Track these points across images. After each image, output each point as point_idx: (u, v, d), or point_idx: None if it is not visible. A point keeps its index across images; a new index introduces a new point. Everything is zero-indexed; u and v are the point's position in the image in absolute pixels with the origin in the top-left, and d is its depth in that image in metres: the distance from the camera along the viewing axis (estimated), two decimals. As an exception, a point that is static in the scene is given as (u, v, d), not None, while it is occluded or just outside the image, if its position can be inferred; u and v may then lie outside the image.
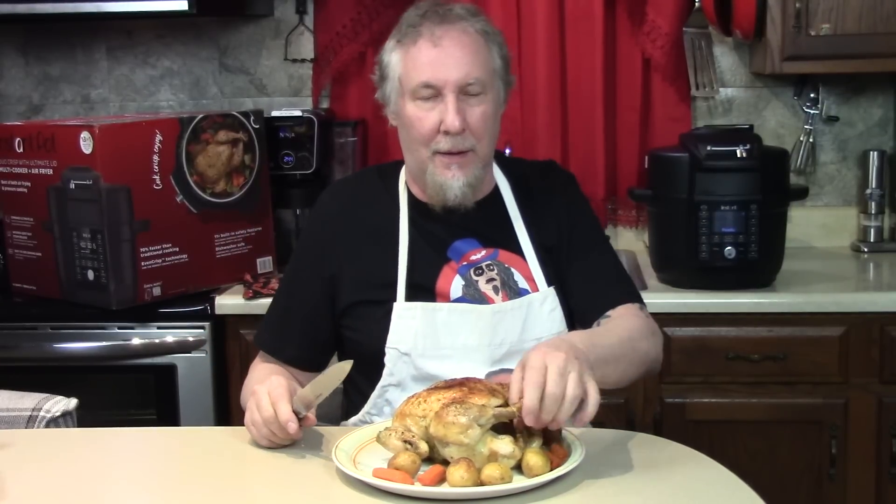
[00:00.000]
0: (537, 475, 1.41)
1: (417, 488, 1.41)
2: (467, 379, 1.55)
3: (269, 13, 3.16)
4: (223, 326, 2.63)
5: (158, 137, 2.51)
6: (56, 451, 1.66)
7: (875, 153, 2.99)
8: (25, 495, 1.49)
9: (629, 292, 1.87)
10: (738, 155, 2.51)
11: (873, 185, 2.99)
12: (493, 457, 1.43)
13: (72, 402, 1.80)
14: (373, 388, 1.82)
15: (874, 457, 2.52)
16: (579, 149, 3.05)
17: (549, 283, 1.85)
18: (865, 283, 2.84)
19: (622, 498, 1.42)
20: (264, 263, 2.77)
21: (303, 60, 3.18)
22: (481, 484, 1.40)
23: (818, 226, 3.08)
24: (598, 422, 1.97)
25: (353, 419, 1.85)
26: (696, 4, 2.92)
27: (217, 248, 2.66)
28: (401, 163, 1.93)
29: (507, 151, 2.90)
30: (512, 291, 1.83)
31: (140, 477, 1.60)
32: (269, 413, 1.57)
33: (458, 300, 1.82)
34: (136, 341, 2.58)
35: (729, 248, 2.51)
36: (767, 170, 2.54)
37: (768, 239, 2.54)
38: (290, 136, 2.86)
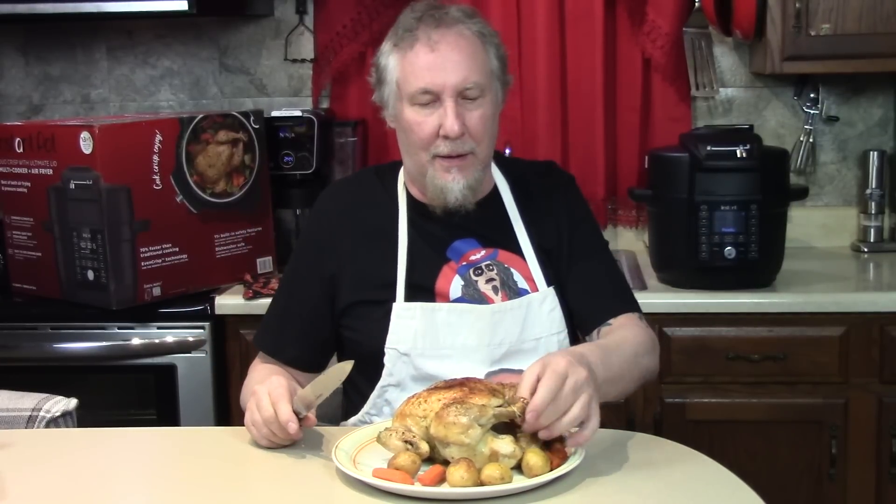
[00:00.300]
0: (537, 475, 1.41)
1: (417, 488, 1.41)
2: (467, 379, 1.55)
3: (269, 13, 3.16)
4: (223, 326, 2.63)
5: (158, 137, 2.51)
6: (56, 451, 1.66)
7: (875, 153, 2.99)
8: (25, 495, 1.49)
9: (628, 301, 1.88)
10: (738, 155, 2.51)
11: (873, 185, 2.99)
12: (493, 457, 1.43)
13: (72, 402, 1.80)
14: (372, 389, 1.82)
15: (874, 457, 2.52)
16: (579, 149, 3.05)
17: (549, 284, 1.85)
18: (865, 283, 2.84)
19: (622, 498, 1.42)
20: (264, 263, 2.77)
21: (303, 60, 3.18)
22: (481, 484, 1.40)
23: (818, 226, 3.08)
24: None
25: (353, 419, 1.85)
26: (696, 4, 2.92)
27: (217, 248, 2.66)
28: (399, 163, 1.93)
29: (507, 151, 2.90)
30: (511, 291, 1.83)
31: (140, 477, 1.60)
32: (269, 413, 1.57)
33: (457, 300, 1.82)
34: (136, 341, 2.58)
35: (729, 248, 2.51)
36: (767, 170, 2.54)
37: (768, 239, 2.54)
38: (290, 136, 2.86)
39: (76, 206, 2.49)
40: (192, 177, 2.58)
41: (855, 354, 2.50)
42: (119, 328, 2.59)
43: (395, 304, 1.81)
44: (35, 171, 2.56)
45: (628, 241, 3.12)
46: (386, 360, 1.80)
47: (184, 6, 2.71)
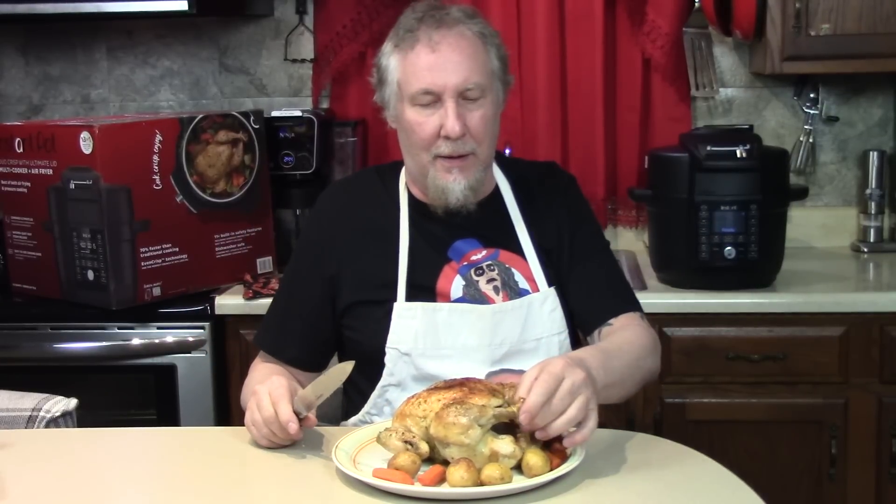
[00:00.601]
0: (537, 475, 1.41)
1: (417, 488, 1.41)
2: (467, 379, 1.55)
3: (269, 13, 3.16)
4: (223, 326, 2.63)
5: (158, 137, 2.51)
6: (56, 451, 1.66)
7: (875, 153, 2.99)
8: (25, 495, 1.49)
9: (630, 301, 1.88)
10: (738, 155, 2.51)
11: (873, 186, 2.99)
12: (493, 457, 1.43)
13: (72, 402, 1.80)
14: (373, 388, 1.82)
15: (874, 457, 2.52)
16: (579, 149, 3.05)
17: (550, 284, 1.85)
18: (865, 283, 2.84)
19: (622, 498, 1.42)
20: (264, 263, 2.77)
21: (303, 60, 3.18)
22: (481, 484, 1.40)
23: (818, 226, 3.08)
24: (598, 422, 1.98)
25: (353, 419, 1.86)
26: (696, 4, 2.92)
27: (217, 248, 2.66)
28: (400, 163, 1.93)
29: (507, 151, 2.90)
30: (512, 291, 1.83)
31: (140, 477, 1.60)
32: (269, 413, 1.57)
33: (458, 300, 1.82)
34: (136, 341, 2.58)
35: (729, 248, 2.51)
36: (767, 170, 2.54)
37: (768, 239, 2.54)
38: (290, 136, 2.86)
39: (76, 206, 2.49)
40: (192, 177, 2.58)
41: (855, 354, 2.50)
42: (119, 328, 2.59)
43: (395, 304, 1.81)
44: (35, 171, 2.56)
45: (628, 241, 3.12)
46: (386, 359, 1.80)
47: (184, 6, 2.71)
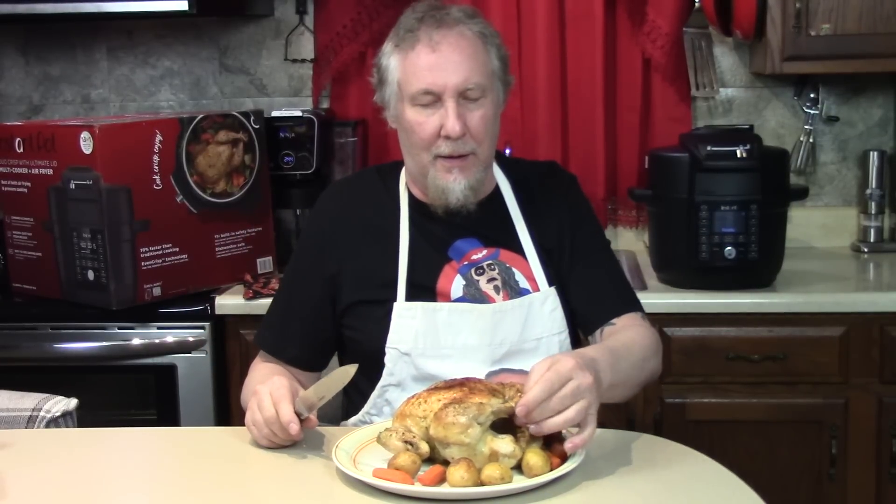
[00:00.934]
0: (537, 475, 1.41)
1: (417, 488, 1.41)
2: (467, 379, 1.55)
3: (269, 13, 3.16)
4: (223, 326, 2.63)
5: (158, 137, 2.51)
6: (56, 451, 1.66)
7: (875, 153, 2.99)
8: (25, 495, 1.49)
9: (631, 301, 1.89)
10: (738, 155, 2.51)
11: (873, 186, 2.99)
12: (493, 456, 1.43)
13: (72, 402, 1.80)
14: (373, 388, 1.82)
15: (874, 457, 2.52)
16: (579, 149, 3.05)
17: (550, 284, 1.85)
18: (865, 283, 2.84)
19: (622, 498, 1.42)
20: (264, 263, 2.77)
21: (303, 60, 3.18)
22: (481, 484, 1.40)
23: (818, 226, 3.08)
24: (598, 422, 1.97)
25: (353, 419, 1.86)
26: (696, 4, 2.92)
27: (217, 248, 2.66)
28: (400, 163, 1.93)
29: (508, 151, 2.90)
30: (513, 291, 1.83)
31: (140, 477, 1.60)
32: (270, 413, 1.57)
33: (458, 300, 1.82)
34: (136, 341, 2.58)
35: (729, 248, 2.51)
36: (767, 170, 2.54)
37: (768, 239, 2.54)
38: (290, 136, 2.86)
39: (76, 206, 2.49)
40: (192, 177, 2.58)
41: (855, 354, 2.50)
42: (119, 328, 2.59)
43: (395, 304, 1.81)
44: (35, 171, 2.56)
45: (628, 241, 3.12)
46: (387, 359, 1.80)
47: (184, 6, 2.71)
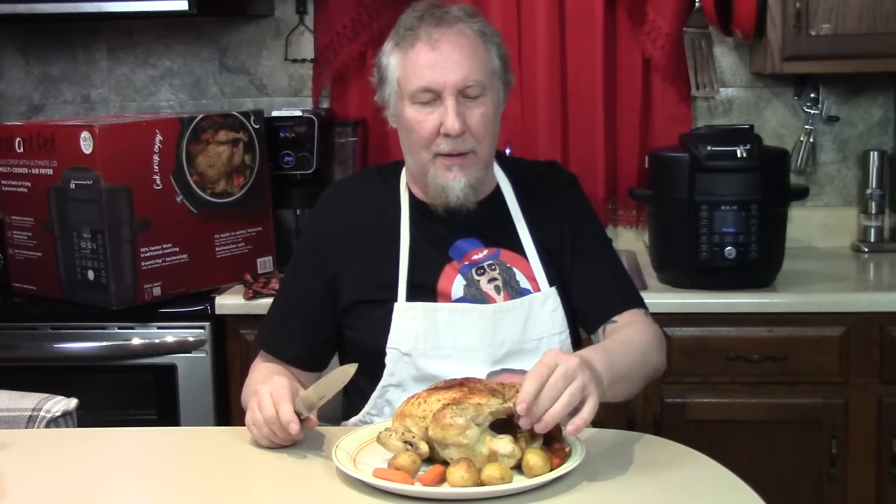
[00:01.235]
0: (537, 475, 1.41)
1: (417, 488, 1.41)
2: (467, 379, 1.55)
3: (269, 13, 3.16)
4: (223, 326, 2.63)
5: (158, 137, 2.51)
6: (56, 451, 1.66)
7: (875, 153, 2.99)
8: (25, 495, 1.49)
9: (634, 297, 1.88)
10: (739, 155, 2.51)
11: (873, 185, 2.99)
12: (493, 457, 1.43)
13: (72, 402, 1.80)
14: (373, 388, 1.82)
15: (874, 457, 2.52)
16: (579, 149, 3.05)
17: (551, 284, 1.85)
18: (865, 283, 2.84)
19: (622, 498, 1.42)
20: (264, 263, 2.77)
21: (303, 60, 3.18)
22: (481, 484, 1.40)
23: (818, 226, 3.08)
24: (598, 422, 1.97)
25: (354, 419, 1.85)
26: (697, 4, 2.92)
27: (217, 248, 2.66)
28: (401, 163, 1.93)
29: (508, 151, 2.90)
30: (513, 291, 1.83)
31: (140, 477, 1.60)
32: (270, 413, 1.57)
33: (459, 300, 1.82)
34: (136, 341, 2.58)
35: (729, 248, 2.51)
36: (767, 170, 2.54)
37: (768, 239, 2.54)
38: (291, 136, 2.86)
39: (76, 206, 2.49)
40: (192, 177, 2.58)
41: (855, 354, 2.50)
42: (119, 328, 2.59)
43: (396, 304, 1.81)
44: (35, 171, 2.56)
45: (628, 241, 3.12)
46: (387, 359, 1.80)
47: (184, 6, 2.71)
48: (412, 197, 1.89)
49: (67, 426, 1.79)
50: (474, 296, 1.82)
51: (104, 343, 2.59)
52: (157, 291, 2.54)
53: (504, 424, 1.46)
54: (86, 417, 1.83)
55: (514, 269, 1.85)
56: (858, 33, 2.68)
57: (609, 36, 3.00)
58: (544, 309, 1.83)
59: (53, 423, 1.77)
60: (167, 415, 2.60)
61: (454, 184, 1.79)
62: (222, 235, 2.66)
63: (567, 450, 1.49)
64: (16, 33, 3.26)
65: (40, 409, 1.78)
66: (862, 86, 3.05)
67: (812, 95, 3.03)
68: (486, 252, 1.86)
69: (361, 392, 1.84)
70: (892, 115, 3.06)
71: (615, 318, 1.82)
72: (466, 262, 1.84)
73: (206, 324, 2.59)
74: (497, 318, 1.80)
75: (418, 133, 1.78)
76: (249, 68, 3.21)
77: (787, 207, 2.63)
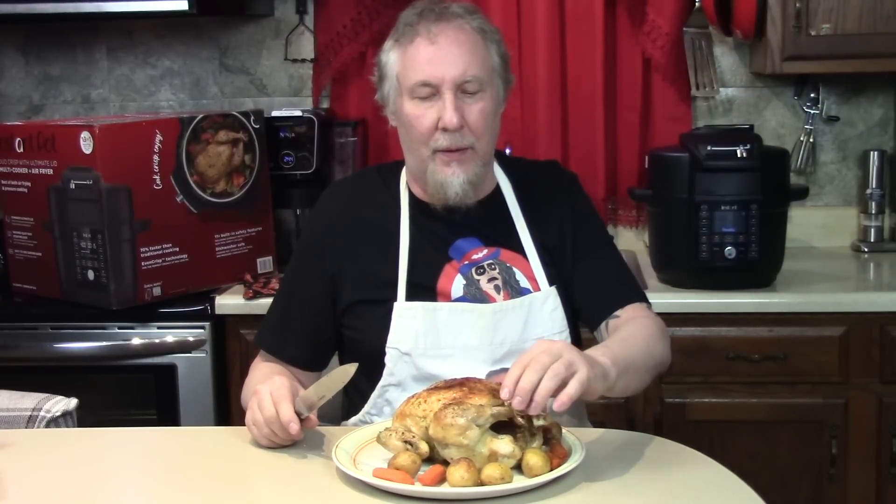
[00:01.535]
0: (537, 475, 1.41)
1: (417, 488, 1.41)
2: (467, 379, 1.55)
3: (269, 13, 3.16)
4: (223, 326, 2.63)
5: (158, 137, 2.51)
6: (56, 451, 1.66)
7: (875, 153, 2.99)
8: (25, 495, 1.49)
9: (636, 292, 1.88)
10: (739, 155, 2.51)
11: (873, 185, 2.99)
12: (493, 457, 1.43)
13: (72, 402, 1.80)
14: (373, 388, 1.82)
15: (874, 457, 2.52)
16: (579, 149, 3.05)
17: (551, 283, 1.85)
18: (865, 283, 2.84)
19: (622, 498, 1.42)
20: (264, 263, 2.77)
21: (303, 60, 3.18)
22: (481, 484, 1.40)
23: (818, 226, 3.08)
24: (598, 422, 1.98)
25: (353, 419, 1.85)
26: (697, 4, 2.92)
27: (217, 248, 2.66)
28: (401, 163, 1.93)
29: (508, 151, 2.90)
30: (513, 291, 1.83)
31: (140, 477, 1.60)
32: (270, 413, 1.57)
33: (459, 299, 1.82)
34: (136, 341, 2.58)
35: (729, 248, 2.51)
36: (767, 170, 2.54)
37: (768, 239, 2.54)
38: (291, 136, 2.86)
39: (76, 206, 2.49)
40: (192, 177, 2.58)
41: (855, 354, 2.50)
42: (119, 328, 2.59)
43: (396, 304, 1.81)
44: (35, 171, 2.56)
45: (628, 241, 3.12)
46: (387, 359, 1.80)
47: (184, 6, 2.71)
48: (412, 196, 1.89)
49: (67, 426, 1.79)
50: (474, 295, 1.82)
51: (104, 343, 2.59)
52: (157, 291, 2.54)
53: (504, 424, 1.46)
54: (86, 417, 1.83)
55: (514, 269, 1.85)
56: (858, 33, 2.68)
57: (609, 36, 3.00)
58: (544, 308, 1.83)
59: (53, 423, 1.77)
60: (167, 415, 2.60)
61: (453, 180, 1.79)
62: (222, 235, 2.66)
63: (567, 450, 1.49)
64: (16, 33, 3.26)
65: (40, 409, 1.78)
66: (862, 86, 3.05)
67: (812, 95, 3.03)
68: (485, 251, 1.86)
69: (361, 392, 1.84)
70: (892, 115, 3.06)
71: (617, 312, 1.82)
72: (466, 262, 1.84)
73: (206, 324, 2.59)
74: (497, 318, 1.80)
75: (417, 128, 1.78)
76: (249, 68, 3.21)
77: (787, 207, 2.63)
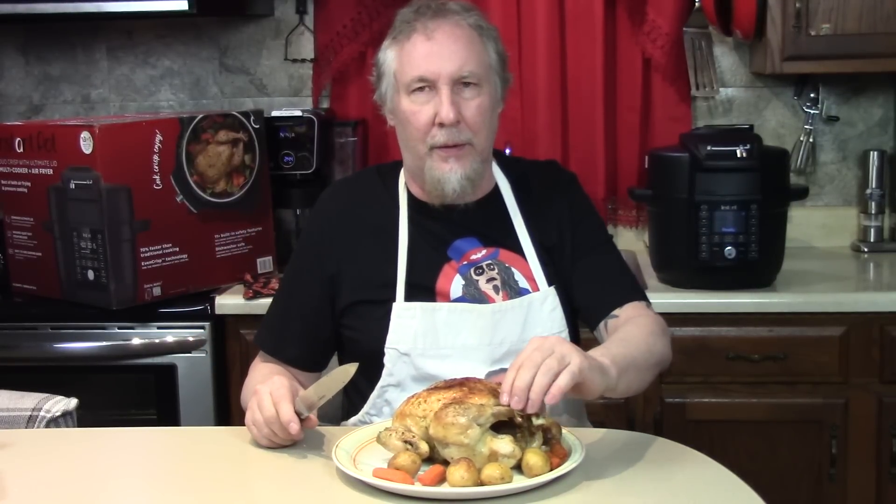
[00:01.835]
0: (537, 475, 1.41)
1: (417, 488, 1.41)
2: (467, 379, 1.55)
3: (269, 13, 3.16)
4: (223, 326, 2.63)
5: (158, 137, 2.51)
6: (56, 451, 1.66)
7: (875, 153, 2.99)
8: (25, 495, 1.49)
9: (635, 290, 1.88)
10: (739, 155, 2.51)
11: (873, 185, 2.99)
12: (493, 456, 1.43)
13: (72, 402, 1.80)
14: (372, 389, 1.82)
15: (874, 457, 2.52)
16: (579, 149, 3.05)
17: (550, 283, 1.85)
18: (865, 283, 2.84)
19: (622, 498, 1.42)
20: (264, 263, 2.77)
21: (303, 60, 3.18)
22: (481, 484, 1.40)
23: (818, 226, 3.08)
24: (598, 422, 1.98)
25: (353, 419, 1.85)
26: (697, 4, 2.92)
27: (217, 248, 2.66)
28: (400, 163, 1.93)
29: (508, 151, 2.90)
30: (512, 291, 1.83)
31: (140, 477, 1.60)
32: (270, 413, 1.57)
33: (458, 300, 1.82)
34: (136, 341, 2.58)
35: (729, 248, 2.51)
36: (767, 170, 2.54)
37: (768, 239, 2.54)
38: (290, 136, 2.86)
39: (76, 206, 2.49)
40: (192, 177, 2.58)
41: (855, 354, 2.50)
42: (119, 328, 2.59)
43: (395, 304, 1.81)
44: (35, 171, 2.56)
45: (628, 241, 3.12)
46: (386, 359, 1.80)
47: (184, 6, 2.71)
48: (411, 196, 1.89)
49: (67, 426, 1.79)
50: (473, 295, 1.82)
51: (104, 343, 2.59)
52: (157, 291, 2.54)
53: (504, 424, 1.46)
54: (86, 417, 1.83)
55: (513, 269, 1.85)
56: (858, 33, 2.68)
57: (609, 36, 3.00)
58: (543, 308, 1.83)
59: (53, 423, 1.77)
60: (167, 415, 2.60)
61: (450, 175, 1.79)
62: (222, 235, 2.66)
63: (567, 450, 1.49)
64: (16, 33, 3.26)
65: (40, 409, 1.78)
66: (862, 86, 3.05)
67: (812, 95, 3.03)
68: (484, 252, 1.86)
69: (360, 392, 1.84)
70: (892, 115, 3.06)
71: (616, 311, 1.82)
72: (465, 262, 1.84)
73: (206, 324, 2.59)
74: (496, 318, 1.80)
75: (414, 124, 1.78)
76: (249, 68, 3.21)
77: (787, 207, 2.64)
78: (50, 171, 2.52)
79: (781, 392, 2.52)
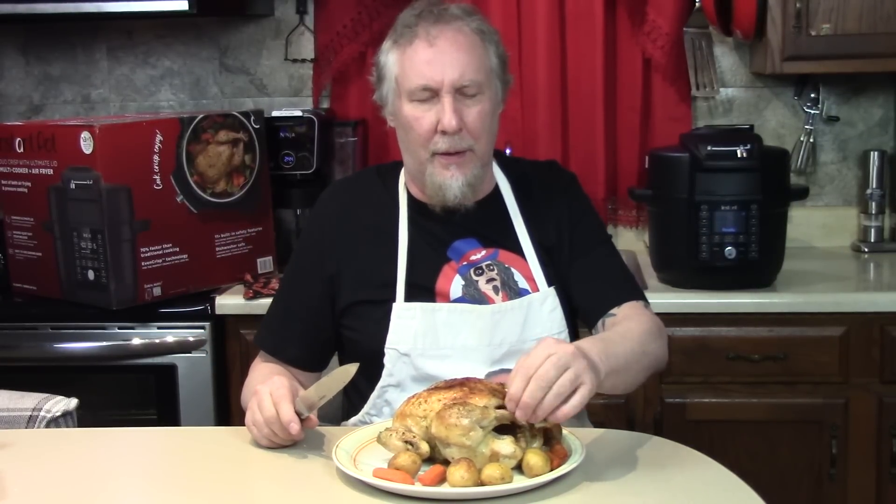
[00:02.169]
0: (537, 475, 1.41)
1: (418, 488, 1.41)
2: (467, 379, 1.55)
3: (269, 13, 3.16)
4: (223, 326, 2.63)
5: (159, 137, 2.51)
6: (56, 451, 1.66)
7: (875, 153, 2.99)
8: (25, 495, 1.49)
9: (633, 290, 1.87)
10: (739, 155, 2.51)
11: (873, 185, 2.99)
12: (493, 457, 1.43)
13: (72, 402, 1.80)
14: (372, 389, 1.82)
15: (874, 457, 2.52)
16: (579, 149, 3.05)
17: (550, 284, 1.85)
18: (865, 283, 2.84)
19: (622, 498, 1.42)
20: (264, 263, 2.77)
21: (303, 60, 3.18)
22: (481, 484, 1.40)
23: (818, 226, 3.08)
24: (598, 422, 1.98)
25: (353, 419, 1.85)
26: (697, 4, 2.92)
27: (217, 248, 2.66)
28: (400, 163, 1.93)
29: (508, 151, 2.90)
30: (512, 291, 1.83)
31: (140, 477, 1.60)
32: (270, 413, 1.57)
33: (457, 300, 1.82)
34: (136, 341, 2.59)
35: (729, 248, 2.51)
36: (768, 170, 2.54)
37: (768, 239, 2.54)
38: (291, 136, 2.86)
39: (76, 206, 2.49)
40: (192, 177, 2.58)
41: (855, 354, 2.50)
42: (119, 328, 2.59)
43: (394, 305, 1.81)
44: (35, 171, 2.56)
45: (628, 241, 3.12)
46: (386, 360, 1.80)
47: (184, 6, 2.71)
48: (410, 197, 1.89)
49: (67, 426, 1.79)
50: (473, 296, 1.82)
51: (104, 343, 2.59)
52: (157, 291, 2.54)
53: (506, 425, 1.46)
54: (86, 417, 1.83)
55: (513, 270, 1.85)
56: (858, 33, 2.68)
57: (609, 36, 3.00)
58: (543, 309, 1.83)
59: (53, 423, 1.77)
60: (167, 415, 2.60)
61: (452, 182, 1.79)
62: (222, 235, 2.66)
63: (567, 450, 1.49)
64: (16, 33, 3.26)
65: (40, 409, 1.78)
66: (862, 86, 3.05)
67: (812, 95, 3.03)
68: (484, 252, 1.86)
69: (360, 392, 1.84)
70: (892, 115, 3.06)
71: (613, 310, 1.81)
72: (465, 263, 1.84)
73: (206, 324, 2.59)
74: (496, 319, 1.80)
75: (416, 130, 1.78)
76: (249, 68, 3.21)
77: (787, 207, 2.64)
78: (50, 171, 2.52)
79: (781, 392, 2.52)
